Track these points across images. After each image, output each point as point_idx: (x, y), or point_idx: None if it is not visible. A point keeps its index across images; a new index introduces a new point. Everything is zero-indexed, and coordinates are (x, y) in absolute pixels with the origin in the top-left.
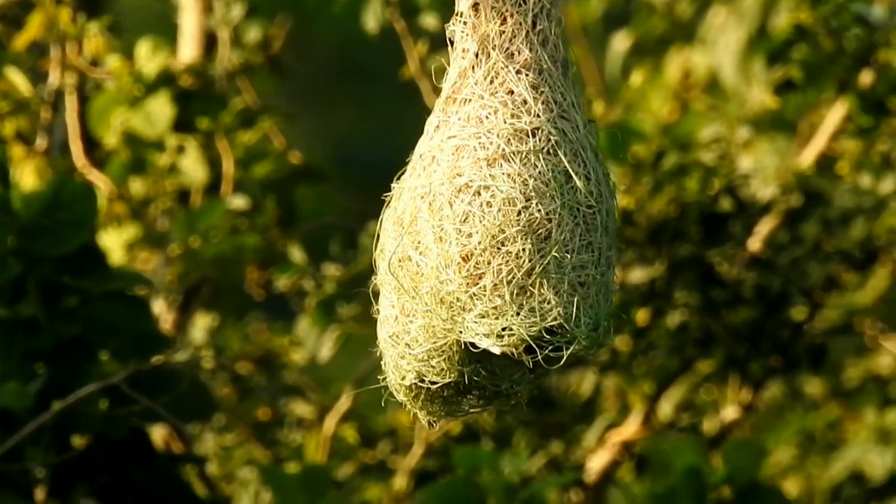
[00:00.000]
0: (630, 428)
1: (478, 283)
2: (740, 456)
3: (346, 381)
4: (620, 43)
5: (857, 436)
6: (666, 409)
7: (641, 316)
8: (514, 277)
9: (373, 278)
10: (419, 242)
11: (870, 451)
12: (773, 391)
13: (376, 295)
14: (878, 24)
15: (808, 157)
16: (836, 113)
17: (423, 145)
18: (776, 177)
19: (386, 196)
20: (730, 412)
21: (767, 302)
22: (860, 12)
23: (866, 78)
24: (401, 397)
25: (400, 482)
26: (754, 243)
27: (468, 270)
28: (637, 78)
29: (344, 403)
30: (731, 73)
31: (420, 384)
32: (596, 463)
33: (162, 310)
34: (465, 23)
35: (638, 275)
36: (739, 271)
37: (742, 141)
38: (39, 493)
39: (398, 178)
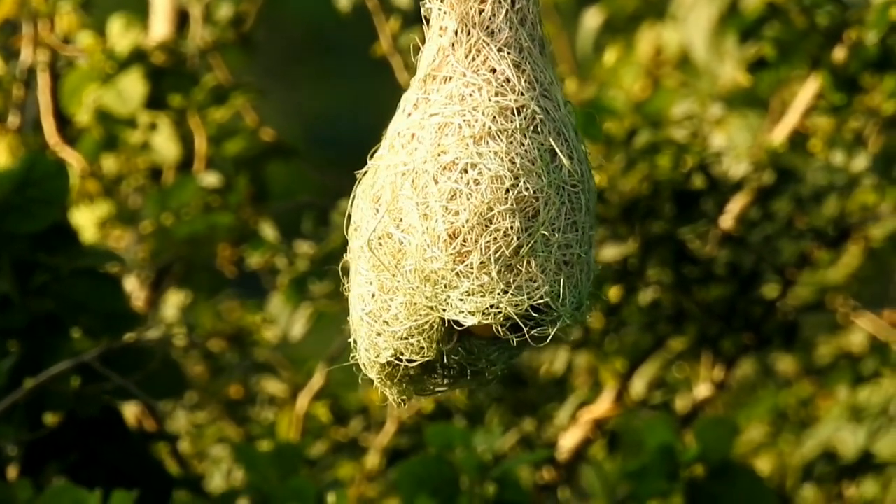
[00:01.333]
0: (602, 406)
1: (464, 261)
2: (713, 434)
3: (319, 359)
4: (592, 20)
5: (829, 413)
6: (638, 386)
7: (614, 293)
8: (501, 255)
9: (345, 255)
10: (401, 220)
11: (842, 429)
12: (745, 369)
13: (347, 272)
14: (850, 1)
15: (780, 134)
16: (808, 90)
17: (400, 122)
18: (748, 154)
19: (359, 173)
20: (702, 390)
21: (740, 279)
22: None
23: (839, 55)
24: (373, 375)
25: (372, 460)
26: (727, 221)
27: (455, 248)
28: (609, 55)
29: (316, 381)
30: (703, 50)
31: (395, 362)
32: (568, 441)
33: (134, 287)
34: (441, 1)
35: (610, 252)
36: (712, 249)
37: (714, 118)
38: (11, 471)
39: (372, 155)
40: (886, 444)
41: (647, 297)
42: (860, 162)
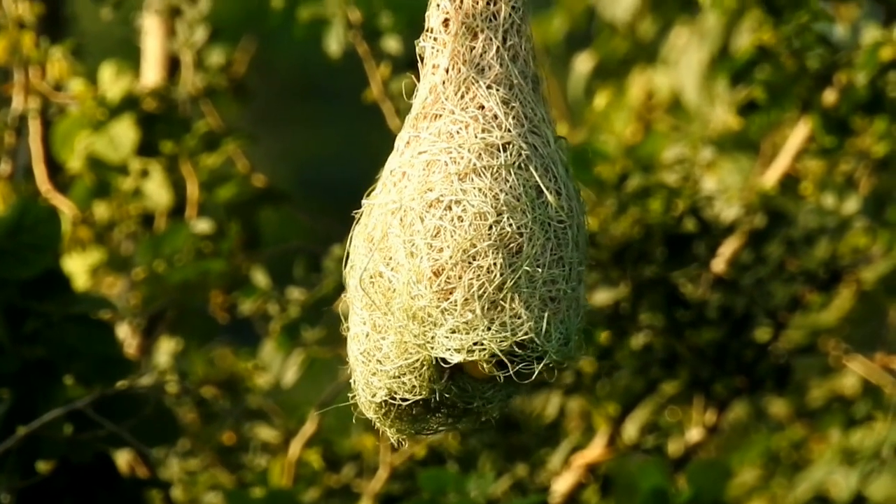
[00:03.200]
0: (595, 450)
1: (449, 298)
2: (705, 477)
3: (311, 405)
4: (583, 64)
5: (821, 456)
6: (631, 430)
7: (606, 337)
8: (485, 292)
9: (341, 297)
10: (391, 258)
11: (834, 472)
12: (737, 412)
13: (345, 314)
14: (840, 43)
15: (771, 177)
16: (799, 133)
17: (393, 161)
18: (740, 197)
19: (356, 213)
20: (694, 433)
21: (732, 322)
22: (822, 32)
23: (829, 97)
24: (370, 415)
25: None
26: (718, 264)
27: (439, 285)
28: (600, 99)
29: (308, 427)
30: (694, 94)
31: (391, 401)
32: (561, 485)
33: (126, 334)
34: (435, 38)
35: (602, 296)
36: (704, 292)
37: (705, 161)
38: None
39: (368, 195)
40: (879, 487)
41: (639, 341)
42: (851, 205)
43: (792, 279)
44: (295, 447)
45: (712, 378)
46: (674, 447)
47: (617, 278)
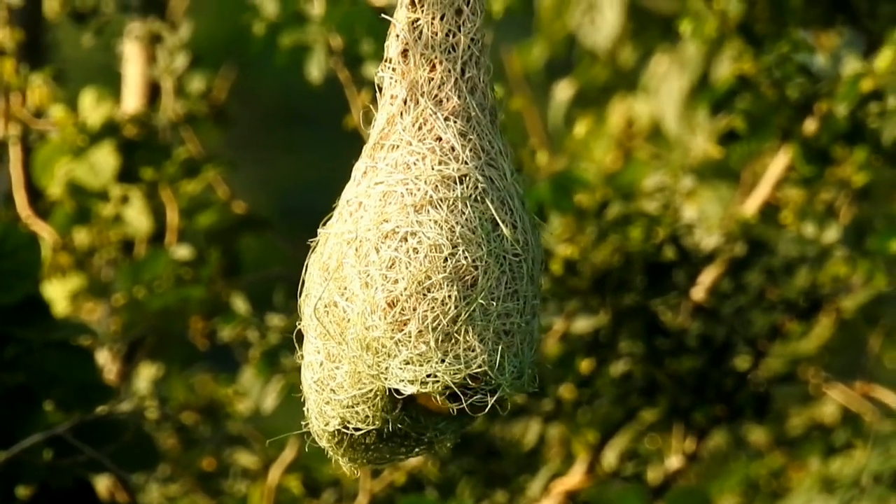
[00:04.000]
0: (574, 477)
1: (403, 330)
2: None
3: (291, 432)
4: (563, 92)
5: (801, 484)
6: (610, 458)
7: (586, 365)
8: (439, 324)
9: (298, 324)
10: (345, 288)
11: (814, 500)
12: (717, 440)
13: (301, 340)
14: (820, 73)
15: (751, 205)
16: (779, 162)
17: (350, 191)
18: (720, 226)
19: (311, 241)
20: (674, 461)
21: (711, 351)
22: (803, 62)
23: (809, 127)
24: (323, 443)
25: None
26: (698, 292)
27: (394, 317)
28: (580, 127)
29: (288, 454)
30: (674, 122)
31: (344, 430)
32: None
33: (106, 360)
34: (393, 69)
35: (582, 324)
36: (683, 320)
37: (685, 190)
38: None
39: (324, 224)
40: None
41: (619, 369)
42: (831, 234)
43: (772, 308)
44: (275, 473)
45: (692, 406)
46: (653, 475)
47: (597, 306)
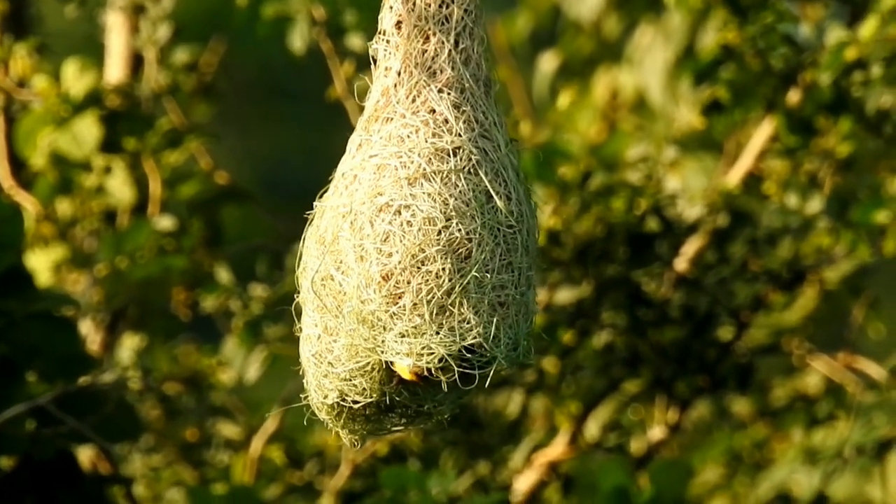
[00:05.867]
0: (557, 448)
1: (398, 303)
2: (667, 476)
3: (273, 402)
4: (548, 63)
5: (784, 455)
6: (593, 429)
7: (568, 336)
8: (433, 297)
9: (297, 297)
10: (341, 262)
11: (797, 471)
12: (700, 411)
13: (299, 313)
14: (805, 44)
15: (734, 176)
16: (763, 132)
17: (345, 164)
18: (703, 196)
19: (308, 214)
20: (657, 432)
21: (694, 322)
22: (787, 32)
23: (793, 97)
24: (323, 416)
25: (327, 503)
26: (681, 263)
27: (388, 290)
28: (564, 98)
29: (271, 424)
30: (658, 93)
31: (342, 403)
32: (523, 483)
33: (89, 330)
34: (388, 41)
35: (565, 295)
36: (666, 291)
37: (669, 161)
38: None
39: (321, 196)
40: (841, 486)
41: (602, 340)
42: (815, 204)
43: (755, 279)
44: (257, 444)
45: (675, 377)
46: (636, 446)
47: (579, 277)
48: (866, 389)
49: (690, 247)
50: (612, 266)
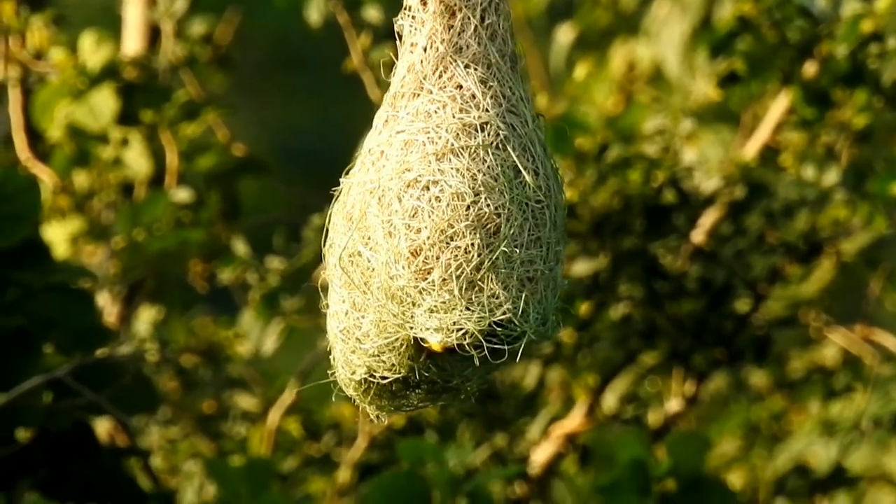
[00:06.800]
0: (574, 420)
1: (427, 279)
2: (684, 448)
3: (291, 375)
4: (565, 35)
5: (801, 427)
6: (610, 401)
7: (585, 308)
8: (462, 272)
9: (319, 271)
10: (369, 238)
11: (814, 443)
12: (717, 383)
13: (325, 289)
14: (821, 15)
15: (751, 148)
16: (779, 105)
17: (371, 140)
18: (720, 169)
19: (334, 190)
20: (674, 404)
21: (711, 294)
22: (804, 4)
23: (810, 70)
24: (350, 392)
25: (344, 475)
26: (698, 235)
27: (417, 266)
28: (581, 70)
29: (288, 396)
30: (675, 65)
31: (370, 379)
32: (540, 455)
33: (106, 303)
34: (413, 17)
35: (581, 267)
36: (683, 263)
37: (686, 133)
38: None
39: (347, 173)
40: (859, 458)
41: (619, 312)
42: (831, 176)
43: (772, 251)
44: (274, 416)
45: (692, 349)
46: (653, 418)
47: (596, 249)
48: (883, 361)
49: (707, 219)
50: (629, 238)
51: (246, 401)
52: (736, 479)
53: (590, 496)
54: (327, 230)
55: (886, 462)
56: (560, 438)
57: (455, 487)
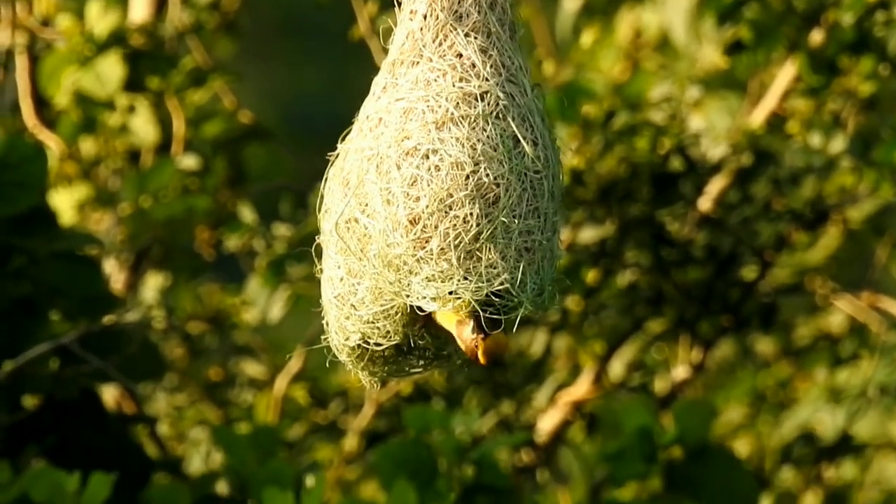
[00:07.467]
0: (581, 388)
1: (425, 247)
2: (691, 416)
3: (297, 342)
4: (571, 2)
5: (807, 395)
6: (617, 368)
7: (592, 276)
8: (461, 241)
9: (318, 237)
10: (366, 205)
11: (821, 410)
12: (723, 350)
13: (320, 254)
14: None
15: (758, 116)
16: (786, 72)
17: (369, 106)
18: (726, 136)
19: (330, 155)
20: (680, 372)
21: (718, 261)
22: None
23: (816, 37)
24: (343, 358)
25: (351, 442)
26: (705, 203)
27: (415, 234)
28: (588, 37)
29: (294, 364)
30: (682, 33)
31: (364, 345)
32: (547, 423)
33: (113, 270)
34: None
35: (588, 234)
36: (690, 231)
37: (692, 100)
38: None
39: (343, 138)
40: (865, 425)
41: (626, 280)
42: (838, 144)
43: (778, 218)
44: (281, 383)
45: (698, 317)
46: (660, 385)
47: (603, 217)
48: (890, 329)
49: (714, 186)
50: (636, 206)
51: (252, 368)
52: (742, 447)
53: (596, 463)
54: (322, 196)
55: (892, 429)
56: (567, 406)
57: (462, 455)
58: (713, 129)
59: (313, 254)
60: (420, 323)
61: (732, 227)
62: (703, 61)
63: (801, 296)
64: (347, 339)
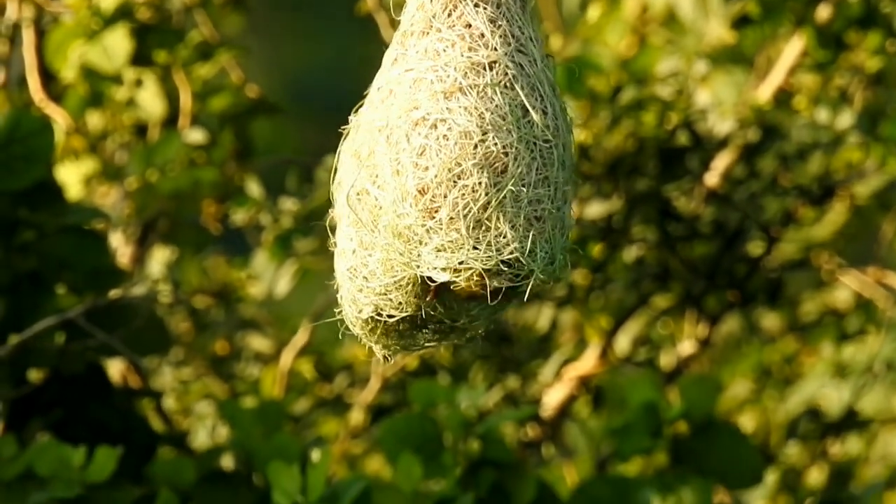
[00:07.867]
0: (587, 363)
1: (434, 217)
2: (697, 391)
3: (304, 316)
4: None
5: (813, 370)
6: (623, 343)
7: (598, 250)
8: (470, 211)
9: (330, 211)
10: (377, 176)
11: (826, 386)
12: (729, 325)
13: (333, 228)
14: None
15: (765, 91)
16: (793, 47)
17: (380, 78)
18: (734, 111)
19: (344, 129)
20: (686, 347)
21: (724, 237)
22: None
23: (824, 12)
24: (357, 331)
25: (356, 417)
26: (711, 178)
27: (425, 204)
28: (594, 12)
29: (301, 338)
30: (689, 7)
31: (377, 318)
32: (553, 397)
33: (119, 243)
34: None
35: (595, 209)
36: (697, 206)
37: (699, 75)
38: None
39: (356, 111)
40: (871, 401)
41: (632, 255)
42: (845, 119)
43: (785, 193)
44: (287, 357)
45: (705, 292)
46: (666, 360)
47: (610, 191)
48: None
49: (721, 161)
50: (643, 180)
51: (259, 342)
52: (748, 422)
53: (602, 438)
54: (336, 168)
55: None
56: (573, 381)
57: (467, 429)
58: (720, 103)
59: (327, 227)
60: (432, 293)
61: (739, 202)
62: (710, 36)
63: (807, 271)
64: (360, 311)
